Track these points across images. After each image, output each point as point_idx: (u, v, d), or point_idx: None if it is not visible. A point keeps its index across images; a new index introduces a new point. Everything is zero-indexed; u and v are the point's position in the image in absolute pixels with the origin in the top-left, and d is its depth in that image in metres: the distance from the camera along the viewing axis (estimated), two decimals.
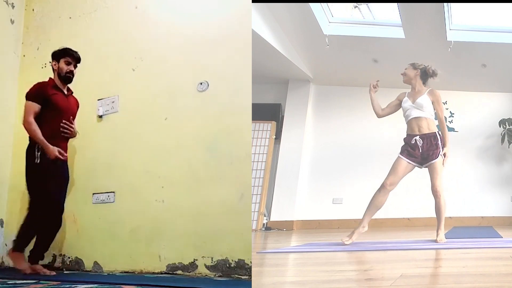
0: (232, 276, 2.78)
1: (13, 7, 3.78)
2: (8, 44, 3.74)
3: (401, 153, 3.26)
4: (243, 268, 2.78)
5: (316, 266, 2.10)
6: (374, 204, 3.27)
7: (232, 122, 2.98)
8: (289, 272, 1.98)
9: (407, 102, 3.32)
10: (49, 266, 3.32)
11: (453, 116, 6.37)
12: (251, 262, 2.73)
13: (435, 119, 3.38)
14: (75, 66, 3.08)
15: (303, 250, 2.86)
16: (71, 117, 3.07)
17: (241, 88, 3.00)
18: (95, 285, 2.35)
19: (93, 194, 3.32)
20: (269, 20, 4.72)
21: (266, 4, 4.59)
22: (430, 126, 3.27)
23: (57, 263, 3.34)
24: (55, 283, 2.48)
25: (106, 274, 3.08)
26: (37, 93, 2.94)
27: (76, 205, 3.34)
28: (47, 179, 2.88)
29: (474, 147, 6.24)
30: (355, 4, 6.23)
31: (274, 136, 5.80)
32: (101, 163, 3.34)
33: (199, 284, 2.40)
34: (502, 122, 6.02)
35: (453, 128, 6.33)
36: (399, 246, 2.93)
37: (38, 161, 2.87)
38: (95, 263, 3.22)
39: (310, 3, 4.58)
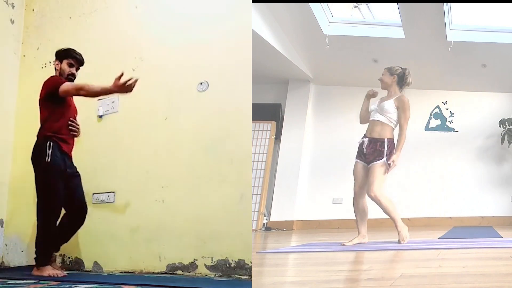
0: (232, 276, 2.78)
1: (13, 7, 3.78)
2: (8, 44, 3.73)
3: (356, 156, 3.25)
4: (243, 268, 2.78)
5: (316, 266, 2.10)
6: (358, 212, 3.28)
7: (232, 122, 2.98)
8: (289, 272, 1.98)
9: (374, 105, 3.30)
10: None
11: (453, 116, 6.37)
12: (251, 262, 2.73)
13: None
14: (77, 69, 3.03)
15: (303, 250, 2.86)
16: (75, 115, 3.04)
17: (241, 88, 3.00)
18: (95, 285, 2.35)
19: (93, 194, 3.32)
20: (269, 20, 4.72)
21: (266, 4, 4.59)
22: (382, 131, 3.20)
23: (57, 263, 3.34)
24: (55, 283, 2.48)
25: (106, 274, 3.08)
26: (58, 80, 2.88)
27: None
28: (61, 177, 2.77)
29: (474, 147, 6.24)
30: (355, 4, 6.23)
31: (274, 136, 5.80)
32: (101, 163, 3.34)
33: (199, 284, 2.40)
34: (502, 122, 6.02)
35: (453, 128, 6.33)
36: (399, 246, 2.93)
37: (49, 159, 2.76)
38: (95, 263, 3.22)
39: (310, 3, 4.58)
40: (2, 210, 3.57)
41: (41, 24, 3.81)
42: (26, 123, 3.68)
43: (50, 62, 3.67)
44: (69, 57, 2.98)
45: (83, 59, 3.04)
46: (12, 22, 3.77)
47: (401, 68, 3.33)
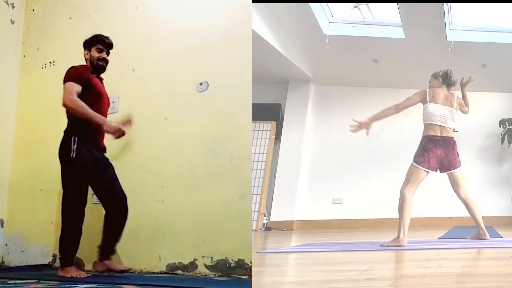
0: (232, 276, 2.78)
1: (13, 7, 3.78)
2: (8, 44, 3.73)
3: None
4: (243, 268, 2.78)
5: (316, 266, 2.10)
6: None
7: (232, 122, 2.98)
8: (289, 272, 1.98)
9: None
10: (49, 266, 3.32)
11: None
12: (251, 262, 2.73)
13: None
14: (108, 53, 2.91)
15: (303, 250, 2.86)
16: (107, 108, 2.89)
17: (241, 88, 3.00)
18: (95, 285, 2.35)
19: (93, 194, 3.32)
20: (269, 20, 4.72)
21: (266, 4, 4.59)
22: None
23: (57, 263, 3.34)
24: (55, 283, 2.48)
25: (106, 274, 3.07)
26: (76, 75, 2.72)
27: None
28: (89, 173, 2.68)
29: (474, 147, 6.24)
30: (355, 4, 6.23)
31: (274, 136, 5.80)
32: None
33: (199, 284, 2.40)
34: (502, 122, 6.01)
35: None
36: (399, 246, 2.92)
37: (74, 155, 2.63)
38: (95, 262, 3.22)
39: (310, 3, 4.58)
40: (2, 209, 3.57)
41: (41, 24, 3.81)
42: (26, 123, 3.69)
43: (50, 63, 3.67)
44: (97, 42, 2.87)
45: (111, 42, 2.91)
46: (12, 22, 3.77)
47: (443, 70, 3.55)
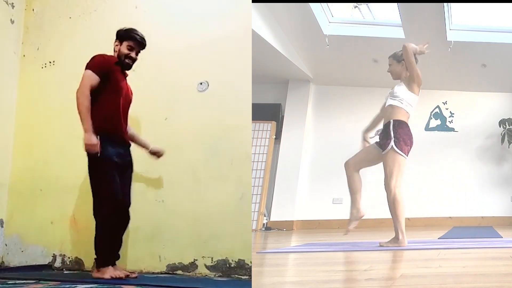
0: (232, 276, 2.78)
1: (13, 7, 3.77)
2: (8, 44, 3.73)
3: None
4: (243, 268, 2.78)
5: (316, 266, 2.10)
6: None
7: (232, 122, 2.98)
8: (289, 272, 1.98)
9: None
10: (49, 266, 3.32)
11: (453, 116, 6.37)
12: (251, 262, 2.73)
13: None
14: (138, 53, 2.79)
15: (303, 250, 2.86)
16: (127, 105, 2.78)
17: (241, 88, 3.00)
18: (95, 285, 2.35)
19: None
20: (269, 20, 4.72)
21: (266, 4, 4.59)
22: (391, 114, 3.02)
23: (57, 263, 3.34)
24: (55, 283, 2.48)
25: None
26: (99, 64, 2.63)
27: (76, 205, 3.34)
28: (110, 173, 2.59)
29: (474, 147, 6.24)
30: (355, 4, 6.23)
31: (274, 136, 5.80)
32: None
33: (199, 284, 2.40)
34: (502, 122, 6.02)
35: (453, 128, 6.33)
36: (399, 246, 2.92)
37: (100, 151, 2.55)
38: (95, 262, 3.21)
39: (310, 3, 4.58)
40: (2, 210, 3.57)
41: (41, 24, 3.81)
42: (26, 123, 3.69)
43: (50, 62, 3.67)
44: (130, 38, 2.73)
45: (144, 41, 2.80)
46: (12, 22, 3.77)
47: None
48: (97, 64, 2.64)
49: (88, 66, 2.63)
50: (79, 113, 2.55)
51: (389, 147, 2.91)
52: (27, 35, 3.84)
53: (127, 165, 2.77)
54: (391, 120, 2.98)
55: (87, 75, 2.60)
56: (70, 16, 3.70)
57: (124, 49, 2.75)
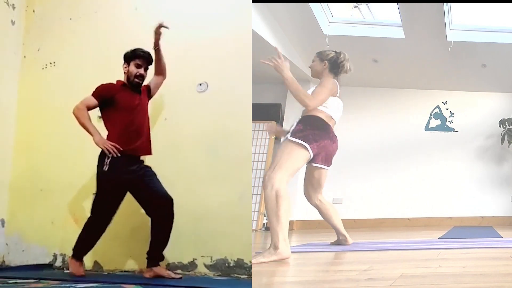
0: (231, 275, 2.79)
1: (13, 8, 3.78)
2: (8, 45, 3.73)
3: None
4: (242, 267, 2.78)
5: (316, 266, 2.10)
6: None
7: (232, 122, 2.98)
8: (289, 272, 1.98)
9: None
10: (50, 266, 3.33)
11: (453, 116, 6.37)
12: (250, 261, 2.73)
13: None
14: (146, 69, 2.89)
15: (303, 250, 2.86)
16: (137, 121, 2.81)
17: (241, 88, 3.01)
18: (95, 285, 2.36)
19: (93, 194, 3.32)
20: (269, 20, 4.72)
21: (266, 4, 4.59)
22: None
23: (58, 263, 3.34)
24: (55, 282, 2.49)
25: (106, 273, 3.08)
26: (98, 92, 2.80)
27: (76, 204, 3.35)
28: (127, 185, 2.71)
29: (474, 147, 6.24)
30: (355, 4, 6.23)
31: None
32: None
33: (198, 284, 2.41)
34: (502, 122, 6.02)
35: (453, 128, 6.34)
36: (399, 246, 2.93)
37: (107, 168, 2.66)
38: (95, 262, 3.22)
39: (310, 3, 4.58)
40: (2, 209, 3.57)
41: (41, 25, 3.81)
42: (27, 124, 3.69)
43: (50, 63, 3.67)
44: (136, 57, 2.84)
45: (150, 57, 2.89)
46: (13, 23, 3.77)
47: (335, 52, 2.90)
48: (97, 91, 2.82)
49: (92, 93, 2.82)
50: (82, 125, 2.73)
51: (284, 138, 2.62)
52: (28, 36, 3.84)
53: (143, 174, 2.78)
54: (301, 116, 2.74)
55: (86, 98, 2.80)
56: (70, 17, 3.70)
57: (132, 68, 2.85)
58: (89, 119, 2.74)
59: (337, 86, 2.86)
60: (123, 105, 2.78)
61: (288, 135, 2.56)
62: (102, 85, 2.85)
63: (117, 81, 2.89)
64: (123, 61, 2.89)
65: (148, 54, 2.89)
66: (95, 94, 2.80)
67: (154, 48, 2.89)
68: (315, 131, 2.60)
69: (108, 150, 2.66)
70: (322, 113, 2.73)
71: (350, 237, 3.12)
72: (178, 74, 3.19)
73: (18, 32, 3.81)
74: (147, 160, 3.17)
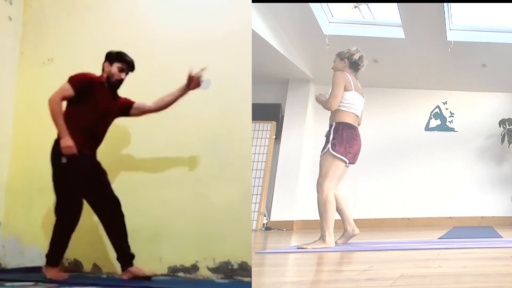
0: (234, 278, 2.77)
1: (11, 3, 3.76)
2: (6, 41, 3.72)
3: None
4: (245, 270, 2.76)
5: (316, 266, 2.09)
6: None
7: (232, 122, 2.98)
8: (289, 272, 1.98)
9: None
10: None
11: (453, 116, 6.37)
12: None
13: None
14: (126, 74, 2.82)
15: (303, 250, 2.86)
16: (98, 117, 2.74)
17: (241, 88, 3.00)
18: (94, 287, 2.35)
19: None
20: (269, 20, 4.72)
21: (266, 4, 4.59)
22: (332, 117, 3.21)
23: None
24: (52, 285, 2.47)
25: (105, 276, 3.07)
26: (79, 80, 2.64)
27: None
28: (81, 180, 2.63)
29: (474, 147, 6.24)
30: (355, 4, 6.23)
31: (274, 136, 5.80)
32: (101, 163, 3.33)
33: (201, 287, 2.40)
34: (502, 122, 6.02)
35: (453, 128, 6.34)
36: (399, 246, 2.92)
37: (65, 161, 2.57)
38: (95, 264, 3.20)
39: (310, 3, 4.58)
40: None
41: (39, 21, 3.79)
42: (24, 122, 3.67)
43: (48, 60, 3.66)
44: (121, 61, 2.76)
45: (134, 64, 2.83)
46: (10, 19, 3.75)
47: (349, 50, 3.21)
48: (76, 79, 2.67)
49: (69, 79, 2.67)
50: (53, 119, 2.59)
51: (326, 149, 3.08)
52: (26, 32, 3.82)
53: (94, 172, 2.75)
54: (334, 123, 3.12)
55: (63, 86, 2.65)
56: (69, 13, 3.69)
57: (115, 70, 2.75)
58: (61, 115, 2.59)
59: (346, 76, 3.12)
60: (95, 105, 2.68)
61: (329, 147, 3.07)
62: (82, 74, 2.69)
63: (99, 76, 2.77)
64: (104, 58, 2.79)
65: (133, 61, 2.82)
66: (73, 83, 2.63)
67: (185, 89, 2.82)
68: (349, 142, 3.07)
69: (66, 153, 2.56)
70: (349, 116, 3.11)
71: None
72: (178, 73, 3.18)
73: (15, 28, 3.78)
74: (148, 159, 3.17)
